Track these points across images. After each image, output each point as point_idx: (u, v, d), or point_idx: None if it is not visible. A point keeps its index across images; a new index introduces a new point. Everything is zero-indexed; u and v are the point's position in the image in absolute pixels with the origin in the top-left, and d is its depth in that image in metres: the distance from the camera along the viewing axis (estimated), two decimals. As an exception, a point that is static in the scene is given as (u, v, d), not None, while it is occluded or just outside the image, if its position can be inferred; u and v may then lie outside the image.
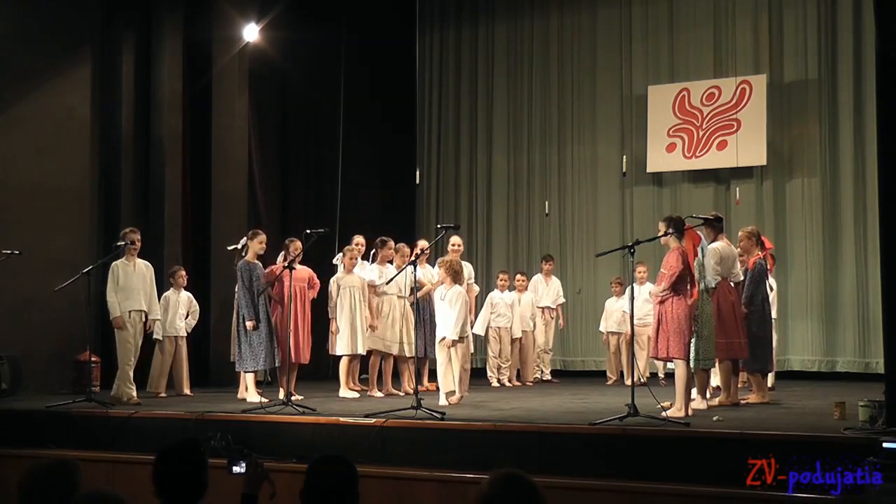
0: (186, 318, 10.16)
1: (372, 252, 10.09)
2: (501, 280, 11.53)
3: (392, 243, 9.99)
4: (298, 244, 9.29)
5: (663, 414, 7.03)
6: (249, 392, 9.03)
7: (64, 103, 10.72)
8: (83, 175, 10.85)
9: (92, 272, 8.95)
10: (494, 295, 11.46)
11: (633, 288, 8.15)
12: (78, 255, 10.31)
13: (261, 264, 9.34)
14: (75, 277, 8.89)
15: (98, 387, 9.45)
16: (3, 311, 10.14)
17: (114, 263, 9.09)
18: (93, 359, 9.39)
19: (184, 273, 10.23)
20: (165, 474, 3.57)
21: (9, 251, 9.30)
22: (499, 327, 11.31)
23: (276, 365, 9.10)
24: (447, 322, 8.60)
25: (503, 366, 11.32)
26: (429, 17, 14.40)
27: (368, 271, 9.89)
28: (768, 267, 9.05)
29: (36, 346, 10.27)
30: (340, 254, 9.98)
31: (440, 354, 8.67)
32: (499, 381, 11.18)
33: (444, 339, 8.60)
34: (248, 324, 8.97)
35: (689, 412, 7.36)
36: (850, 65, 11.77)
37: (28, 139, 10.49)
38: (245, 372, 9.13)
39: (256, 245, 9.20)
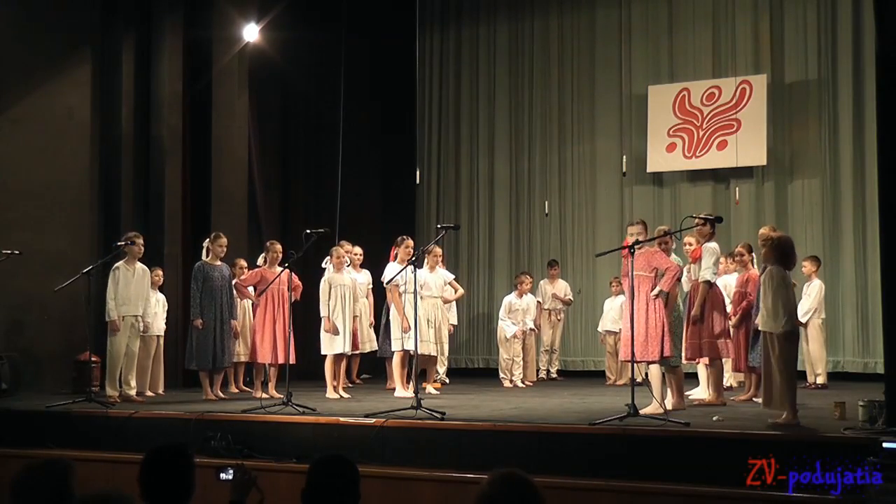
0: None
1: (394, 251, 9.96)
2: (526, 284, 11.52)
3: (411, 242, 9.83)
4: (279, 247, 9.73)
5: (643, 412, 6.96)
6: (203, 390, 9.40)
7: (64, 103, 10.73)
8: (83, 175, 10.85)
9: (92, 272, 8.97)
10: (511, 299, 11.47)
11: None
12: (78, 255, 10.31)
13: (225, 265, 9.66)
14: (75, 277, 8.90)
15: (98, 387, 9.46)
16: (3, 311, 10.15)
17: (116, 266, 9.19)
18: (93, 359, 9.41)
19: (160, 272, 10.27)
20: (151, 478, 3.54)
21: (9, 251, 9.32)
22: (524, 331, 11.44)
23: (226, 365, 9.61)
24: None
25: (516, 368, 11.34)
26: (429, 17, 14.39)
27: (391, 271, 9.72)
28: None
29: (36, 346, 10.28)
30: (328, 256, 10.03)
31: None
32: (511, 381, 11.18)
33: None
34: (197, 322, 9.34)
35: (670, 407, 7.39)
36: (850, 65, 11.76)
37: (28, 139, 10.49)
38: (188, 368, 9.65)
39: (217, 248, 9.52)
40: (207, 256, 9.56)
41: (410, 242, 9.77)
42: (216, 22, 11.60)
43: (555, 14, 13.62)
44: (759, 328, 6.95)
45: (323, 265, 10.26)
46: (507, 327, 11.30)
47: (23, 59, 10.52)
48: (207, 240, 9.63)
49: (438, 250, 10.22)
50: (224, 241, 9.61)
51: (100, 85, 11.10)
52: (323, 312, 9.60)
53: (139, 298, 9.28)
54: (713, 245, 8.37)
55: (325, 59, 13.22)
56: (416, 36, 14.37)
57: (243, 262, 10.38)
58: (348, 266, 10.01)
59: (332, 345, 9.58)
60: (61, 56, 10.75)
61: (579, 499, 6.11)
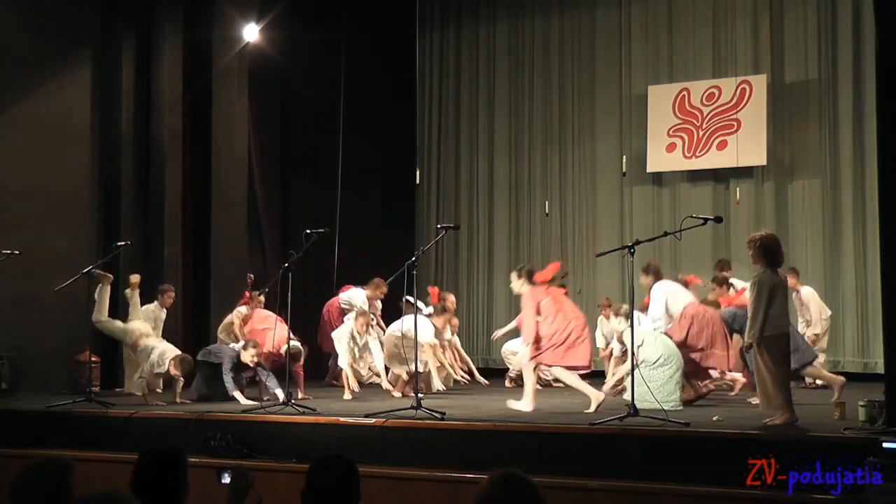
0: None
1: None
2: None
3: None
4: (262, 299, 9.93)
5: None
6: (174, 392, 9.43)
7: (64, 103, 10.71)
8: (83, 176, 10.84)
9: (92, 272, 8.96)
10: None
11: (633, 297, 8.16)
12: (78, 255, 10.30)
13: (233, 345, 9.52)
14: (75, 277, 8.91)
15: (98, 386, 9.46)
16: (3, 311, 10.13)
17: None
18: (93, 359, 9.40)
19: (173, 294, 10.19)
20: (143, 481, 3.51)
21: (9, 251, 9.30)
22: None
23: None
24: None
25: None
26: (429, 17, 14.38)
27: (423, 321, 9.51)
28: None
29: (36, 346, 10.27)
30: (354, 309, 10.10)
31: None
32: (512, 380, 11.20)
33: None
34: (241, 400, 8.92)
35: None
36: (851, 65, 11.75)
37: (28, 140, 10.48)
38: None
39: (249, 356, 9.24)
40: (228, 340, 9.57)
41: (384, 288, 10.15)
42: (216, 22, 11.60)
43: (555, 14, 13.62)
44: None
45: (347, 318, 10.20)
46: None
47: (23, 59, 10.50)
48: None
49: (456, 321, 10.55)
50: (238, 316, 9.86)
51: (100, 85, 11.08)
52: (342, 363, 9.63)
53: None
54: (661, 285, 8.57)
55: (325, 60, 13.22)
56: (416, 36, 14.37)
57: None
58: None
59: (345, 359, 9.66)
60: (61, 56, 10.74)
61: (579, 499, 6.11)
